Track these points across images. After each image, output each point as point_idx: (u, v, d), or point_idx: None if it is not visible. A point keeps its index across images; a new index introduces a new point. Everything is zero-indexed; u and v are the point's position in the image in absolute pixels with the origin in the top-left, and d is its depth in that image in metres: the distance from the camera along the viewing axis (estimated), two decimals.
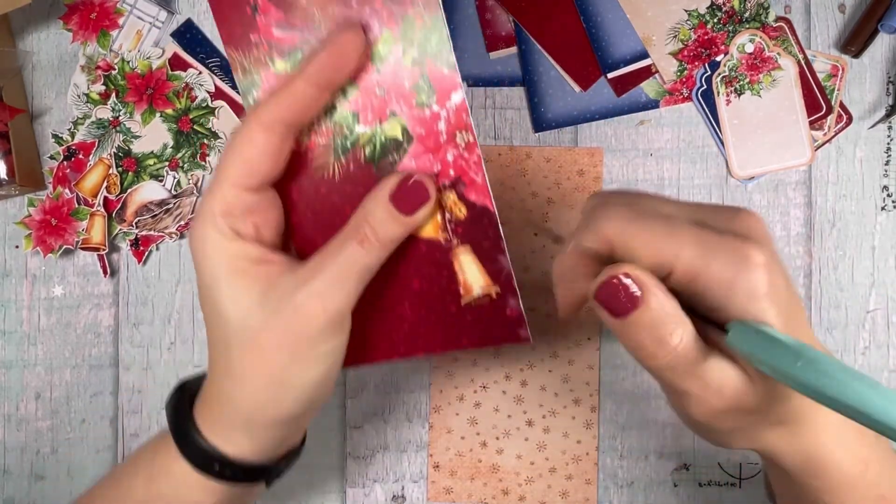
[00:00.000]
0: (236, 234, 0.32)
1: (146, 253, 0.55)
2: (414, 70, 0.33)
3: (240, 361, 0.33)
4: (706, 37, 0.54)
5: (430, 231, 0.34)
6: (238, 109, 0.55)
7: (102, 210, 0.54)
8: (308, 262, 0.33)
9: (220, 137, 0.54)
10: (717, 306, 0.27)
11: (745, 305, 0.27)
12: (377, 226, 0.32)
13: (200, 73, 0.54)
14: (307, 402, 0.34)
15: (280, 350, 0.32)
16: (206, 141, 0.54)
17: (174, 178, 0.54)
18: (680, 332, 0.27)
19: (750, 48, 0.53)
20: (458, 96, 0.33)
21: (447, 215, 0.34)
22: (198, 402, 0.36)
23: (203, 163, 0.54)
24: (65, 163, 0.54)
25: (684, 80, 0.54)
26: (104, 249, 0.54)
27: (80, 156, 0.54)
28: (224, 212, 0.32)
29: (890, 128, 0.54)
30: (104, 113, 0.54)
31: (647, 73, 0.54)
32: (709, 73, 0.54)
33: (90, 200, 0.54)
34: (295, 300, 0.31)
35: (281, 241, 0.35)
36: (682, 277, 0.27)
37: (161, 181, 0.54)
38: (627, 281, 0.27)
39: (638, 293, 0.27)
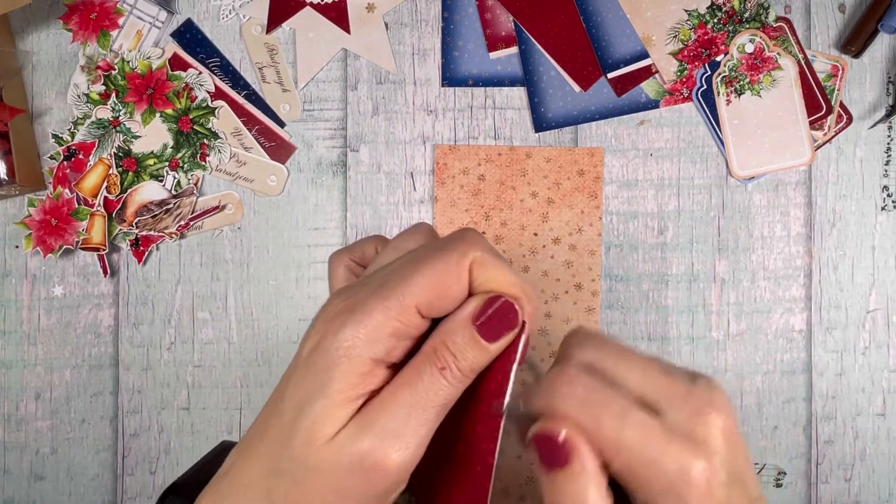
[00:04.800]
0: (386, 357, 0.29)
1: (146, 253, 0.55)
2: None
3: (286, 492, 0.28)
4: (706, 37, 0.54)
5: None
6: (238, 109, 0.55)
7: (102, 210, 0.54)
8: (379, 396, 0.28)
9: (219, 137, 0.54)
10: (651, 501, 0.28)
11: (678, 494, 0.27)
12: (457, 352, 0.28)
13: (200, 73, 0.54)
14: None
15: (334, 501, 0.27)
16: (206, 141, 0.54)
17: (174, 178, 0.54)
18: None
19: (750, 48, 0.53)
20: None
21: None
22: (202, 501, 0.31)
23: (203, 163, 0.54)
24: (65, 163, 0.54)
25: (684, 80, 0.54)
26: (104, 249, 0.54)
27: (80, 156, 0.54)
28: (395, 332, 0.28)
29: (890, 128, 0.54)
30: (104, 113, 0.54)
31: (647, 73, 0.54)
32: (709, 73, 0.54)
33: (90, 200, 0.54)
34: (361, 443, 0.27)
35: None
36: (619, 471, 0.28)
37: (161, 181, 0.54)
38: (562, 440, 0.28)
39: (568, 455, 0.27)
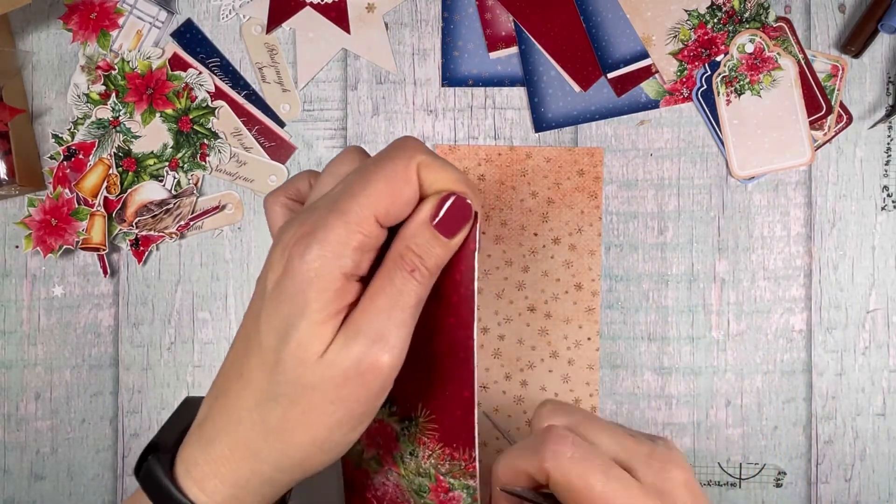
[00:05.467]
0: (355, 271, 0.29)
1: (146, 253, 0.55)
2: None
3: (284, 414, 0.29)
4: (706, 37, 0.54)
5: None
6: (238, 109, 0.55)
7: (102, 210, 0.54)
8: (357, 307, 0.29)
9: (219, 137, 0.54)
10: None
11: None
12: (423, 252, 0.30)
13: (200, 73, 0.54)
14: (333, 462, 0.31)
15: (334, 411, 0.29)
16: (206, 141, 0.54)
17: (174, 178, 0.54)
18: None
19: (750, 48, 0.53)
20: None
21: None
22: (187, 451, 0.31)
23: (203, 163, 0.54)
24: (65, 163, 0.54)
25: (684, 80, 0.54)
26: (104, 249, 0.54)
27: (80, 156, 0.54)
28: (360, 246, 0.29)
29: (890, 128, 0.54)
30: (104, 113, 0.54)
31: (647, 73, 0.54)
32: (709, 73, 0.54)
33: (90, 200, 0.54)
34: (352, 352, 0.28)
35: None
36: None
37: (161, 181, 0.54)
38: None
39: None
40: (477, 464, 0.32)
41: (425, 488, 0.33)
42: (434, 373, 0.32)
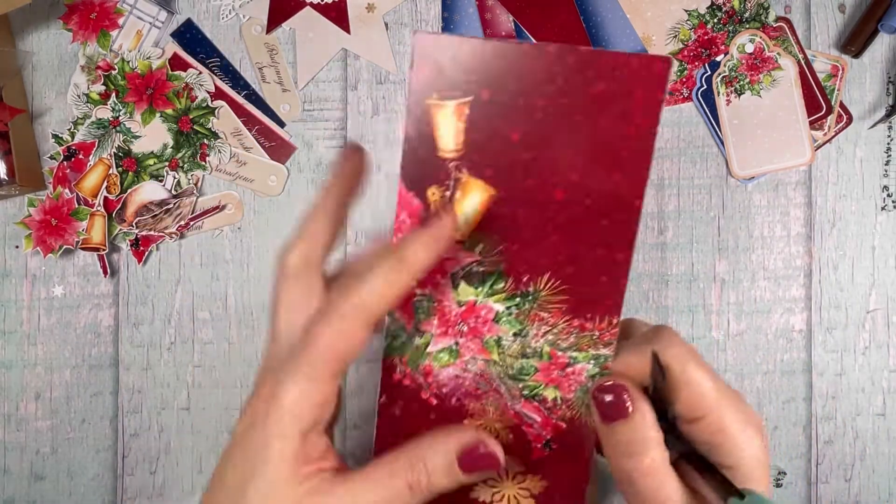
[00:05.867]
0: (313, 426, 0.30)
1: (146, 253, 0.55)
2: None
3: None
4: (706, 37, 0.54)
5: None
6: (238, 109, 0.55)
7: (102, 210, 0.54)
8: (351, 482, 0.30)
9: (219, 137, 0.54)
10: (726, 460, 0.31)
11: (752, 469, 0.31)
12: (432, 474, 0.30)
13: (200, 73, 0.54)
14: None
15: None
16: (206, 141, 0.54)
17: (174, 178, 0.54)
18: (652, 454, 0.30)
19: (750, 48, 0.53)
20: None
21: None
22: None
23: (203, 163, 0.54)
24: (65, 163, 0.54)
25: (684, 80, 0.54)
26: (104, 249, 0.54)
27: (80, 156, 0.54)
28: (317, 402, 0.29)
29: (890, 128, 0.54)
30: (104, 113, 0.54)
31: None
32: (709, 73, 0.54)
33: (90, 200, 0.54)
34: None
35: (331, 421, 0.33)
36: (708, 427, 0.31)
37: (161, 181, 0.54)
38: (624, 393, 0.30)
39: (629, 407, 0.30)
40: (618, 329, 0.30)
41: (530, 369, 0.32)
42: (577, 236, 0.29)
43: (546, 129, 0.28)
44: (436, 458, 0.30)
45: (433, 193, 0.29)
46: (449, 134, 0.29)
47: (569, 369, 0.31)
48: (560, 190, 0.29)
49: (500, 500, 0.33)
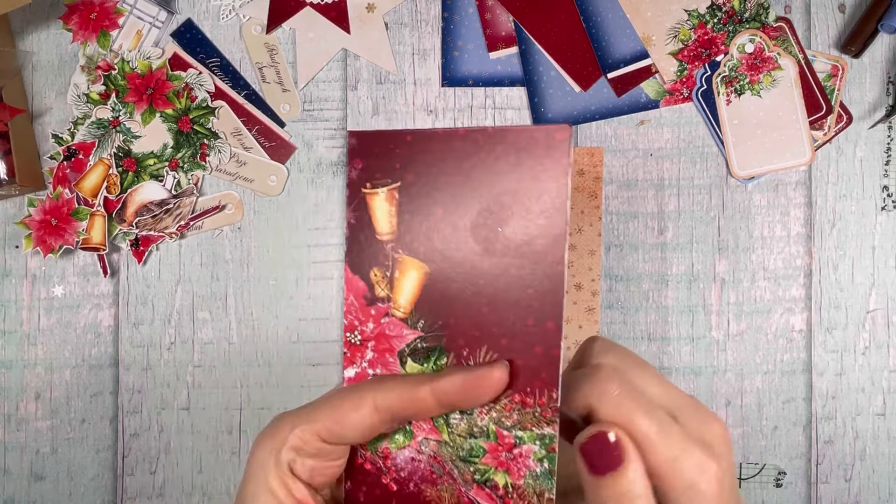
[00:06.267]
0: (291, 469, 0.31)
1: (146, 253, 0.55)
2: None
3: None
4: (706, 37, 0.54)
5: None
6: (238, 109, 0.55)
7: (102, 210, 0.54)
8: None
9: (219, 137, 0.54)
10: (670, 499, 0.30)
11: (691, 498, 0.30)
12: None
13: (200, 73, 0.54)
14: None
15: None
16: (206, 141, 0.54)
17: (174, 178, 0.54)
18: None
19: (750, 48, 0.53)
20: None
21: None
22: None
23: (203, 163, 0.54)
24: (65, 163, 0.54)
25: (684, 80, 0.54)
26: (104, 249, 0.54)
27: (80, 156, 0.54)
28: (294, 447, 0.30)
29: (890, 128, 0.54)
30: (104, 113, 0.54)
31: (647, 73, 0.54)
32: (709, 73, 0.54)
33: (90, 200, 0.54)
34: None
35: (330, 494, 0.33)
36: (652, 469, 0.30)
37: (161, 181, 0.54)
38: (614, 442, 0.29)
39: (620, 458, 0.29)
40: (559, 404, 0.30)
41: (479, 451, 0.32)
42: (506, 307, 0.30)
43: (466, 203, 0.30)
44: None
45: (375, 274, 0.31)
46: (384, 218, 0.31)
47: (516, 451, 0.31)
48: (485, 260, 0.30)
49: None
